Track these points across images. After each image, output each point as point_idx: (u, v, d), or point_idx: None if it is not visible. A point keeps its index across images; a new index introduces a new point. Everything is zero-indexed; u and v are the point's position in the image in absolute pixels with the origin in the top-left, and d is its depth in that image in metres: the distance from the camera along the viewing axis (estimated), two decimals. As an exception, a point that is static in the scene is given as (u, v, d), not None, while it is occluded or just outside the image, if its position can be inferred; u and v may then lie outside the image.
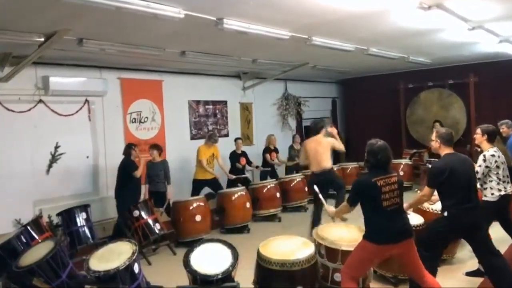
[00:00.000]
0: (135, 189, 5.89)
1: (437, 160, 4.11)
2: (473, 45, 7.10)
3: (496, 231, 4.32)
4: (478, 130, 4.35)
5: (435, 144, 3.80)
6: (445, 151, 3.71)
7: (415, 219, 4.30)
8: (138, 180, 5.88)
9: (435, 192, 3.72)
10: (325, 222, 4.37)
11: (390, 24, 5.17)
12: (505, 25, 5.69)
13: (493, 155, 4.13)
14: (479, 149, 4.45)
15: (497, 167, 4.13)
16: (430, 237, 3.65)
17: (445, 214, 3.61)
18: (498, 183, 4.13)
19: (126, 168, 5.84)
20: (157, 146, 6.37)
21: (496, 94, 9.10)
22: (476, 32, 5.68)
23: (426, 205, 4.58)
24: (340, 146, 5.91)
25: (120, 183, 5.91)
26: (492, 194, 4.14)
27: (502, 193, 4.12)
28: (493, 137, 4.30)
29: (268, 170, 8.13)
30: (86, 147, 6.59)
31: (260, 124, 9.58)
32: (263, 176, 8.09)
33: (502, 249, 3.90)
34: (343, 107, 12.10)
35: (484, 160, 4.13)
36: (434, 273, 3.46)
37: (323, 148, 5.69)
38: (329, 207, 3.86)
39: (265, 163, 8.23)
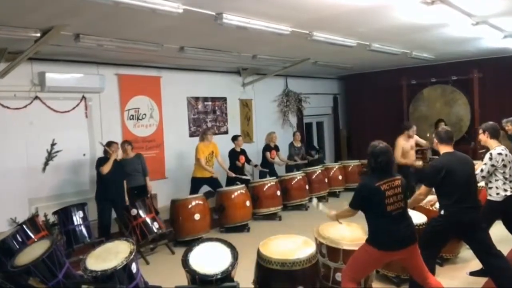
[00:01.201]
0: (105, 187, 5.62)
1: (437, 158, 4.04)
2: (477, 41, 7.02)
3: (496, 231, 4.26)
4: (480, 130, 4.28)
5: (434, 141, 3.83)
6: (443, 149, 3.68)
7: (418, 218, 4.23)
8: (109, 178, 5.58)
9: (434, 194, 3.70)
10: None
11: (392, 19, 5.11)
12: (509, 20, 5.63)
13: (500, 154, 4.03)
14: (484, 150, 4.36)
15: (504, 166, 4.03)
16: (427, 235, 3.63)
17: (442, 212, 3.58)
18: (504, 183, 4.03)
19: (96, 165, 5.74)
20: (129, 142, 6.27)
21: (500, 90, 9.01)
22: (480, 27, 5.62)
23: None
24: (422, 141, 6.98)
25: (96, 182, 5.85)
26: (498, 194, 4.04)
27: (508, 193, 4.02)
28: (495, 131, 4.20)
29: (267, 172, 7.99)
30: (83, 144, 6.53)
31: (260, 121, 9.51)
32: (262, 176, 8.00)
33: (503, 248, 3.84)
34: (345, 103, 12.02)
35: (491, 159, 4.03)
36: (432, 271, 3.43)
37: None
38: (330, 211, 3.74)
39: (265, 162, 8.11)
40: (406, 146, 6.59)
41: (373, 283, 3.94)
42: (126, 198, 5.92)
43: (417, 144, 6.92)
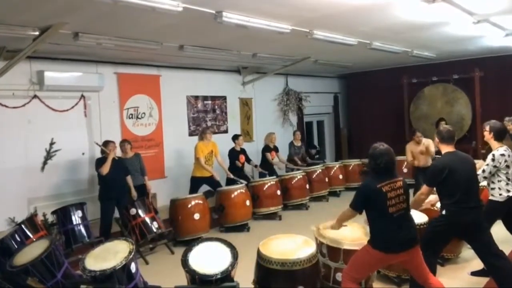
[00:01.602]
0: (108, 187, 5.59)
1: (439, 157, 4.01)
2: (479, 39, 6.99)
3: (499, 231, 4.23)
4: (487, 127, 4.21)
5: (435, 141, 3.83)
6: (445, 149, 3.66)
7: (419, 218, 4.20)
8: (110, 177, 5.54)
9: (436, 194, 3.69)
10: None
11: (393, 17, 5.09)
12: (511, 19, 5.59)
13: (503, 154, 3.99)
14: (486, 147, 4.34)
15: (507, 166, 4.00)
16: (428, 235, 3.61)
17: (443, 212, 3.56)
18: (507, 183, 4.00)
19: (95, 167, 5.70)
20: (129, 141, 6.24)
21: (502, 89, 8.98)
22: (482, 25, 5.60)
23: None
24: (432, 150, 6.75)
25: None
26: (500, 194, 4.01)
27: (511, 194, 3.99)
28: (501, 134, 4.15)
29: (266, 173, 7.92)
30: (82, 143, 6.49)
31: (260, 120, 9.47)
32: (262, 176, 7.94)
33: (505, 248, 3.81)
34: (345, 102, 11.99)
35: (493, 160, 3.99)
36: (433, 271, 3.41)
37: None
38: (330, 224, 3.69)
39: (265, 162, 8.04)
40: (415, 151, 6.80)
41: (374, 283, 3.91)
42: (135, 193, 5.89)
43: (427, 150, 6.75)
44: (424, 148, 6.66)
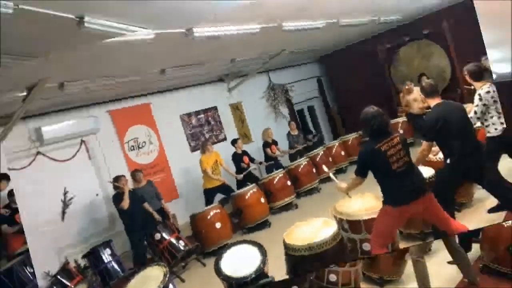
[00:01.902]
0: (131, 219, 5.65)
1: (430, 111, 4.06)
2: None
3: (504, 165, 4.26)
4: (465, 71, 4.29)
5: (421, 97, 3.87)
6: (433, 102, 3.73)
7: (425, 172, 4.16)
8: (130, 210, 5.62)
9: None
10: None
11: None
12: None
13: (488, 92, 4.05)
14: (472, 87, 4.41)
15: (495, 101, 4.05)
16: (438, 187, 3.67)
17: (448, 161, 3.64)
18: (499, 117, 4.06)
19: (114, 204, 5.79)
20: (140, 170, 6.34)
21: (474, 33, 9.03)
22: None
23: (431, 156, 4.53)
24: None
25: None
26: (496, 129, 4.08)
27: (505, 125, 4.05)
28: (478, 74, 4.19)
29: (272, 164, 8.11)
30: (93, 185, 6.62)
31: (254, 120, 9.55)
32: (269, 170, 8.09)
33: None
34: (329, 81, 12.04)
35: (480, 99, 4.06)
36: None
37: None
38: (340, 183, 3.83)
39: (267, 157, 8.19)
40: (409, 98, 7.66)
41: (399, 244, 3.95)
42: (158, 216, 5.91)
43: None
44: (418, 96, 7.06)
